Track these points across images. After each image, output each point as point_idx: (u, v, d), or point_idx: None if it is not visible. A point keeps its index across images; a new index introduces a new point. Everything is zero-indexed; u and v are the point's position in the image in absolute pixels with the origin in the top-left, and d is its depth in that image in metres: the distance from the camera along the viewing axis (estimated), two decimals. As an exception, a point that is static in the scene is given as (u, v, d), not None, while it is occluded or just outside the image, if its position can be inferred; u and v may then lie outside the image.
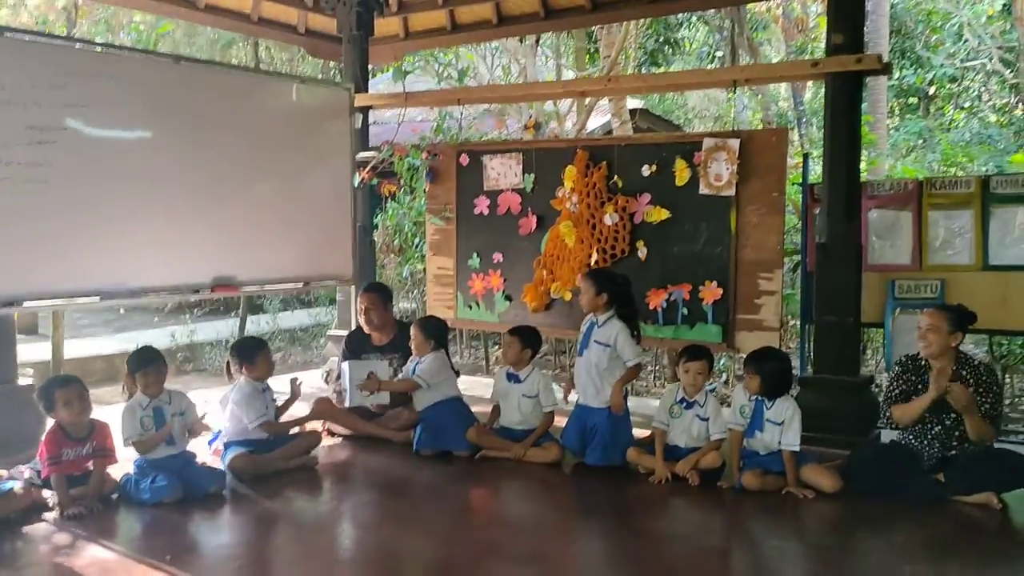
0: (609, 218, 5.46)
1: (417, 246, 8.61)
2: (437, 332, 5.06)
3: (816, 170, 6.53)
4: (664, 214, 5.36)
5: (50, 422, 4.12)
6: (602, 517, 4.09)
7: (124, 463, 4.23)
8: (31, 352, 7.99)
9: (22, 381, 5.28)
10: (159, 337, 9.97)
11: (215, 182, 5.64)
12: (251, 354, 4.66)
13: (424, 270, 8.18)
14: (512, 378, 4.86)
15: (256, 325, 10.61)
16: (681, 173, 5.27)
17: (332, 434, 5.20)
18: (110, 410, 4.91)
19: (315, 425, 5.09)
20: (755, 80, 6.91)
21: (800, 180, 5.91)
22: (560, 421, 4.85)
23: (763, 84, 12.16)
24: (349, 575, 3.50)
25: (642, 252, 5.44)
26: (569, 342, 7.97)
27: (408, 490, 4.56)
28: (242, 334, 9.73)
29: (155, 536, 3.78)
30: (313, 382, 6.83)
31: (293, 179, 6.18)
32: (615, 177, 5.51)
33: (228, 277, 5.74)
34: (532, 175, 5.89)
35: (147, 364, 4.23)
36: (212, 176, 5.63)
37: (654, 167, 5.39)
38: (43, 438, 4.04)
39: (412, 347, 5.03)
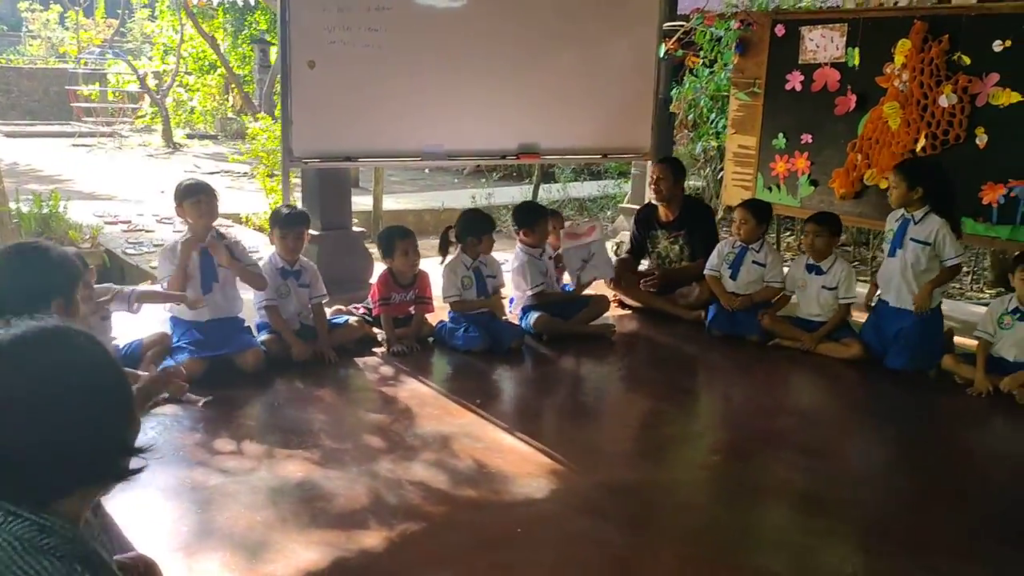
0: (945, 99, 4.86)
1: (712, 122, 8.29)
2: (768, 217, 5.05)
3: None
4: (1015, 97, 4.66)
5: (381, 267, 4.59)
6: (902, 423, 3.87)
7: (439, 311, 4.64)
8: (355, 203, 8.87)
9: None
10: (460, 198, 10.65)
11: (523, 51, 5.75)
12: (530, 220, 4.80)
13: (717, 148, 7.88)
14: (812, 269, 4.65)
15: (548, 193, 10.96)
16: (1044, 49, 4.53)
17: (623, 305, 5.33)
18: (424, 263, 5.36)
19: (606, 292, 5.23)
20: None
21: None
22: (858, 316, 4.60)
23: None
24: (631, 444, 3.63)
25: (981, 140, 4.82)
26: (873, 233, 7.41)
27: (697, 369, 4.60)
28: (535, 200, 10.10)
29: (465, 379, 4.16)
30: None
31: (598, 49, 6.13)
32: (958, 53, 4.86)
33: (532, 145, 5.92)
34: (857, 48, 5.35)
35: (483, 231, 4.53)
36: (521, 45, 5.73)
37: (1008, 42, 4.67)
38: (376, 281, 4.53)
39: (739, 231, 4.91)
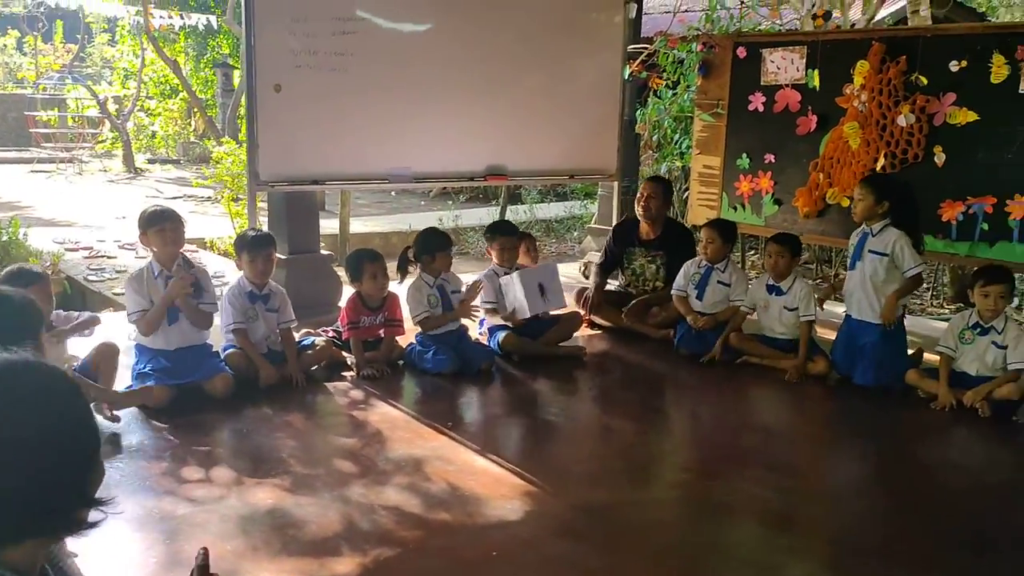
0: (904, 119, 4.97)
1: (676, 143, 8.40)
2: (734, 237, 5.10)
3: None
4: (971, 116, 4.79)
5: (349, 291, 4.57)
6: (868, 438, 3.92)
7: (409, 332, 4.62)
8: (321, 226, 8.81)
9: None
10: (427, 220, 10.62)
11: (491, 73, 5.79)
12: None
13: (682, 168, 7.98)
14: (773, 290, 4.70)
15: (515, 214, 10.98)
16: (998, 70, 4.65)
17: (593, 325, 5.34)
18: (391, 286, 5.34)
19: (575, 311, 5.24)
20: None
21: None
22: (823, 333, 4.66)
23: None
24: (603, 464, 3.62)
25: (939, 158, 4.93)
26: (836, 251, 7.53)
27: (667, 388, 4.62)
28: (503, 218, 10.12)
29: (436, 402, 4.14)
30: (571, 273, 7.03)
31: (564, 71, 6.19)
32: (915, 73, 4.98)
33: (500, 166, 5.94)
34: (816, 70, 5.46)
35: (438, 248, 4.53)
36: (487, 68, 5.77)
37: (964, 62, 4.80)
38: (344, 305, 4.50)
39: (706, 250, 4.94)
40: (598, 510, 3.07)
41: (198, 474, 3.19)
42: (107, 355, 3.75)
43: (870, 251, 4.43)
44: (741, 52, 5.89)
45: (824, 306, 4.82)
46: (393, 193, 13.13)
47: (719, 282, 4.94)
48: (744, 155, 5.96)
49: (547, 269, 4.93)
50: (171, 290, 3.87)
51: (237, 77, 15.49)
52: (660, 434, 4.03)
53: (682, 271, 5.05)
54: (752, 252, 8.77)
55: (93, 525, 1.27)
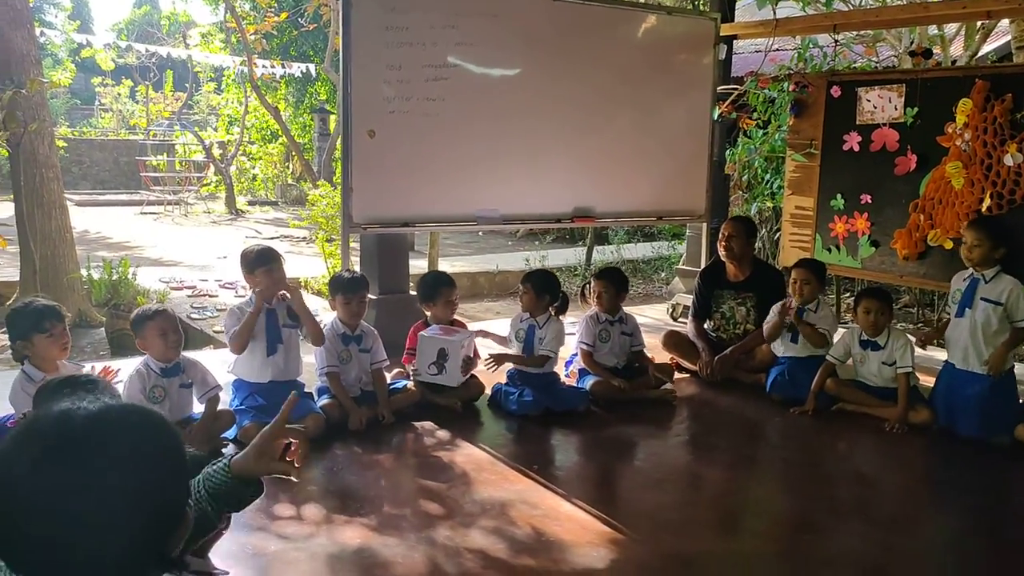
0: (1011, 158, 4.77)
1: (767, 183, 8.27)
2: (825, 277, 5.00)
3: None
4: (1083, 155, 4.58)
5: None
6: (974, 493, 3.70)
7: (498, 374, 4.63)
8: (411, 267, 8.99)
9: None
10: (514, 260, 10.73)
11: (578, 116, 5.84)
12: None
13: (772, 208, 7.83)
14: (868, 345, 4.51)
15: (601, 255, 10.97)
16: (1111, 107, 4.44)
17: (681, 369, 5.25)
18: (475, 325, 5.39)
19: (665, 358, 5.17)
20: None
21: None
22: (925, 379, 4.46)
23: None
24: (692, 512, 3.53)
25: (1049, 199, 4.71)
26: (938, 294, 7.23)
27: (760, 435, 4.49)
28: (589, 263, 10.13)
29: (522, 444, 4.13)
30: (657, 315, 6.95)
31: (652, 112, 6.20)
32: (1022, 112, 4.79)
33: (587, 208, 5.96)
34: (915, 108, 5.31)
35: (554, 289, 4.62)
36: (575, 110, 5.82)
37: (1074, 99, 4.60)
38: (411, 331, 4.57)
39: (801, 291, 4.76)
40: (687, 560, 2.99)
41: (289, 511, 3.26)
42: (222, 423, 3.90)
43: (983, 299, 4.23)
44: (835, 91, 5.78)
45: (926, 347, 4.61)
46: (480, 233, 13.30)
47: (808, 323, 4.79)
48: (839, 195, 5.81)
49: (454, 342, 4.41)
50: (264, 292, 4.00)
51: (333, 122, 16.05)
52: (752, 483, 3.91)
53: (772, 311, 4.90)
54: (848, 295, 8.50)
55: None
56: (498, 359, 4.55)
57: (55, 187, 7.53)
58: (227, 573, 1.99)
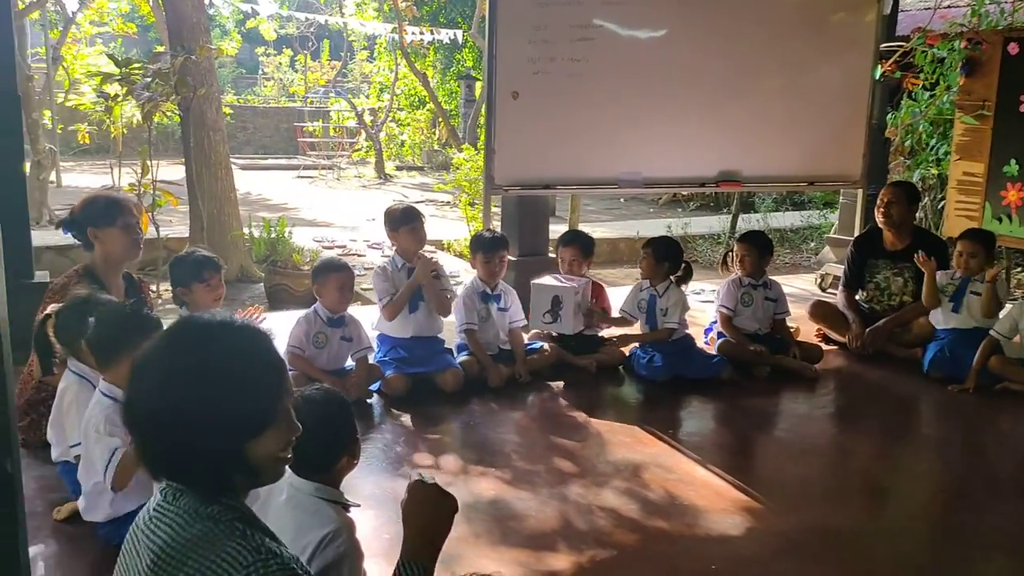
0: None
1: (932, 148, 7.72)
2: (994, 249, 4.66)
3: None
4: None
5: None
6: None
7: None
8: (551, 231, 9.02)
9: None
10: (655, 227, 10.56)
11: (726, 76, 5.62)
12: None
13: (937, 175, 7.32)
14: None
15: (746, 223, 10.61)
16: None
17: (828, 341, 5.04)
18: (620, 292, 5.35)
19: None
20: None
21: None
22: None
23: None
24: (836, 485, 3.40)
25: None
26: None
27: (913, 410, 4.26)
28: (733, 231, 9.83)
29: (658, 408, 4.09)
30: (804, 286, 6.69)
31: (806, 72, 5.88)
32: None
33: (733, 172, 5.76)
34: (1108, 64, 4.82)
35: (676, 257, 4.53)
36: (724, 71, 5.60)
37: None
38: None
39: (966, 263, 4.48)
40: (829, 533, 2.89)
41: (428, 460, 3.38)
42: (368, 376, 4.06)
43: None
44: (1013, 48, 5.34)
45: None
46: (623, 200, 13.16)
47: (973, 293, 4.48)
48: (1013, 161, 5.38)
49: (568, 288, 4.39)
50: (419, 271, 4.14)
51: (479, 88, 16.23)
52: (903, 458, 3.71)
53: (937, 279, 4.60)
54: (1019, 269, 7.87)
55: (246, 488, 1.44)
56: (622, 340, 4.52)
57: (221, 149, 8.00)
58: (358, 505, 2.10)
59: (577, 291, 4.37)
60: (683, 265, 4.57)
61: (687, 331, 4.56)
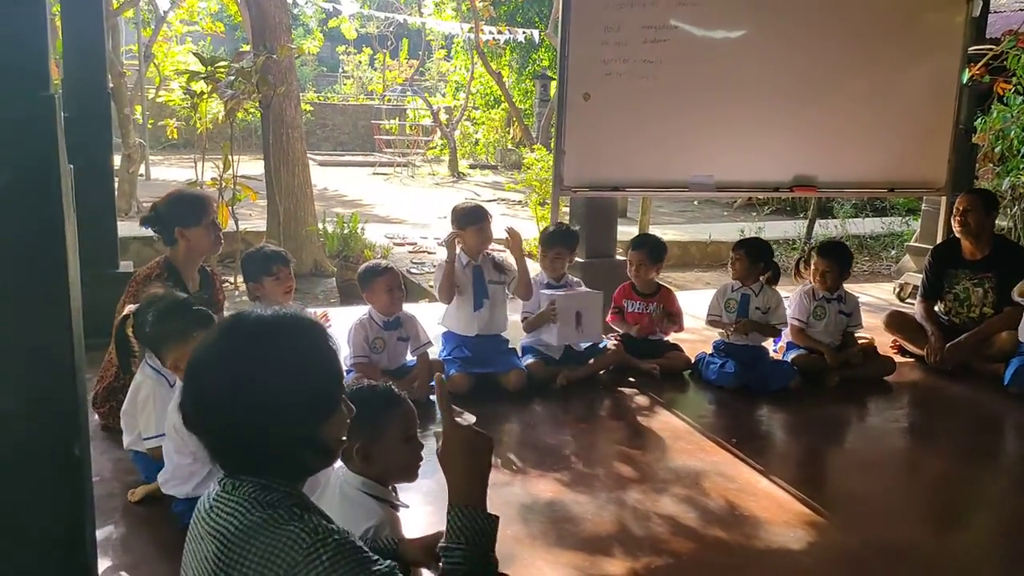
0: None
1: (1023, 155, 7.41)
2: None
3: None
4: None
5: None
6: None
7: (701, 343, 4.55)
8: (620, 232, 8.96)
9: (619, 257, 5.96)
10: (728, 231, 10.40)
11: (804, 79, 5.48)
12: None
13: (1030, 183, 7.02)
14: None
15: (824, 229, 10.37)
16: None
17: (905, 352, 4.88)
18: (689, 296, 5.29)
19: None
20: None
21: None
22: None
23: None
24: (905, 501, 3.29)
25: None
26: None
27: (992, 428, 4.10)
28: (809, 237, 9.62)
29: (722, 416, 4.04)
30: (882, 295, 6.50)
31: (888, 76, 5.70)
32: None
33: (808, 177, 5.64)
34: None
35: (768, 257, 4.48)
36: (801, 73, 5.47)
37: None
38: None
39: None
40: (892, 552, 2.80)
41: (488, 459, 3.39)
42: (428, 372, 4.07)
43: None
44: (1115, 50, 5.06)
45: None
46: (696, 203, 12.99)
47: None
48: (1111, 169, 5.11)
49: (589, 296, 4.38)
50: (513, 248, 4.22)
51: (554, 88, 16.22)
52: (976, 479, 3.58)
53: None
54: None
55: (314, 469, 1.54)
56: (742, 327, 4.36)
57: (299, 146, 8.20)
58: (407, 506, 2.14)
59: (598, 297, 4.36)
60: (773, 265, 4.53)
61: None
